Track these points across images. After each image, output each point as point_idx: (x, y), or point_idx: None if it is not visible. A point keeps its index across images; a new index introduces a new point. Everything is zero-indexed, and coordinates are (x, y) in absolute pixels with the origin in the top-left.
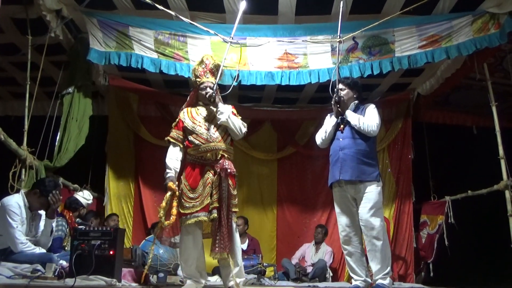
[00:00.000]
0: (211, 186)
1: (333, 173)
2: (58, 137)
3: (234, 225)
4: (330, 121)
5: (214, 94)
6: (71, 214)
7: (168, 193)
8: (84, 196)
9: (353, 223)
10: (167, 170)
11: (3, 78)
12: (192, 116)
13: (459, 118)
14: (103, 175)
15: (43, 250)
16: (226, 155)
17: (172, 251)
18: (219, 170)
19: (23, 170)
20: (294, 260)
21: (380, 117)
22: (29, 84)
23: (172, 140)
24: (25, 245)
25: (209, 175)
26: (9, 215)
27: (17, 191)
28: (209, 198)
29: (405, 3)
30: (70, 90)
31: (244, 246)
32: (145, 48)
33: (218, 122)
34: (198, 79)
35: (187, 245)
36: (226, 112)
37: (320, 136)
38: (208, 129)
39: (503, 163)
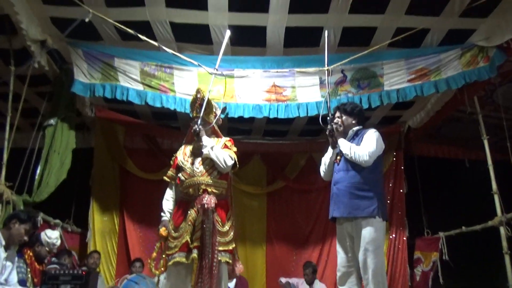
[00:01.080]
0: (193, 224)
1: (329, 210)
2: (38, 171)
3: (223, 267)
4: (328, 153)
5: (197, 128)
6: (30, 254)
7: (158, 242)
8: (48, 235)
9: (349, 262)
10: (162, 213)
11: None
12: (184, 152)
13: (450, 151)
14: (87, 210)
15: None
16: (210, 190)
17: None
18: (198, 206)
19: (0, 206)
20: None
21: (380, 143)
22: (11, 115)
23: (167, 179)
24: None
25: (191, 212)
26: None
27: None
28: (187, 236)
29: (394, 36)
30: (52, 121)
31: (232, 285)
32: (131, 79)
33: (202, 156)
34: (192, 115)
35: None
36: (209, 145)
37: (321, 170)
38: (193, 163)
39: (496, 198)
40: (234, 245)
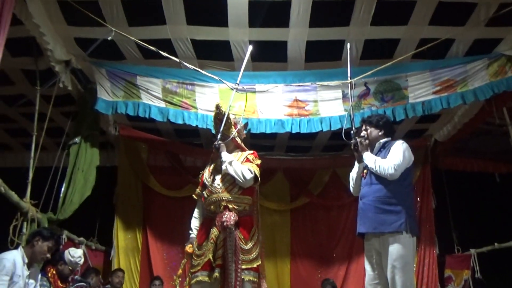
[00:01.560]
0: (215, 241)
1: (357, 225)
2: (63, 189)
3: (246, 285)
4: (354, 168)
5: (217, 144)
6: (54, 272)
7: (184, 259)
8: (71, 253)
9: (376, 279)
10: (190, 231)
11: (15, 129)
12: (209, 170)
13: (480, 165)
14: (111, 228)
15: None
16: (230, 206)
17: None
18: (218, 223)
19: (25, 224)
20: None
21: (407, 155)
22: (37, 134)
23: (195, 197)
24: None
25: (214, 230)
26: None
27: (17, 245)
28: (210, 255)
29: (417, 47)
30: (77, 140)
31: None
32: (153, 97)
33: (222, 172)
34: (214, 131)
35: None
36: (227, 160)
37: (350, 185)
38: (214, 180)
39: None
40: (259, 263)
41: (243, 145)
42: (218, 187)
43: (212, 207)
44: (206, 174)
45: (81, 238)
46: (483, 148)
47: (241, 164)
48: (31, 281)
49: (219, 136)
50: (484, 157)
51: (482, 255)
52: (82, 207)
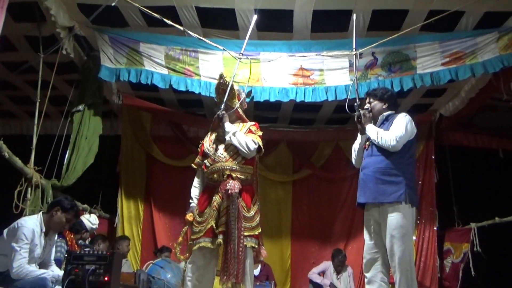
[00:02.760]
0: (217, 209)
1: (357, 196)
2: (66, 156)
3: (248, 251)
4: (357, 140)
5: (220, 114)
6: (72, 236)
7: (185, 227)
8: (90, 220)
9: (374, 249)
10: (190, 200)
11: (19, 96)
12: (210, 139)
13: (484, 140)
14: (114, 196)
15: (40, 271)
16: (234, 175)
17: (180, 277)
18: (222, 191)
19: (29, 189)
20: (313, 275)
21: (410, 127)
22: (40, 102)
23: (194, 166)
24: (20, 270)
25: (216, 198)
26: (17, 237)
27: (22, 210)
28: (212, 222)
29: (426, 19)
30: (80, 108)
31: (257, 272)
32: (156, 64)
33: (226, 142)
34: (216, 100)
35: (191, 271)
36: (231, 131)
37: (352, 157)
38: (217, 149)
39: None
40: (260, 230)
41: (244, 116)
42: (222, 156)
43: (215, 175)
44: (207, 143)
45: (85, 205)
46: (488, 124)
47: (245, 135)
48: (48, 248)
49: (222, 106)
50: (489, 133)
51: (482, 229)
52: (86, 175)
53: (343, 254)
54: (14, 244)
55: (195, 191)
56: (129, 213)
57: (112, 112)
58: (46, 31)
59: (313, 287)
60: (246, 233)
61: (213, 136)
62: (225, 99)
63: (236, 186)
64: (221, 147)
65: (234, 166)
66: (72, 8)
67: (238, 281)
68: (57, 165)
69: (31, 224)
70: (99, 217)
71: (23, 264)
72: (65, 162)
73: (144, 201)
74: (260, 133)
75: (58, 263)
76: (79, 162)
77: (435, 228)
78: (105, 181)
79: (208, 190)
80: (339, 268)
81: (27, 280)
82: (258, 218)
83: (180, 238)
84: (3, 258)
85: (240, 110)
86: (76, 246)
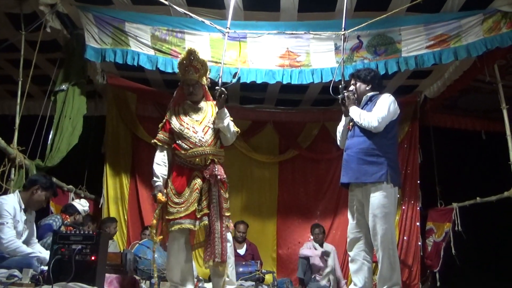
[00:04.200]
0: (199, 192)
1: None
2: (50, 136)
3: (227, 231)
4: (341, 121)
5: (224, 96)
6: (67, 218)
7: (158, 208)
8: (81, 203)
9: (357, 228)
10: (155, 179)
11: (0, 76)
12: (179, 117)
13: (467, 122)
14: (100, 177)
15: (29, 250)
16: (216, 160)
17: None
18: (208, 176)
19: (13, 170)
20: (303, 250)
21: (393, 108)
22: (23, 81)
23: (159, 143)
24: (11, 242)
25: (197, 181)
26: (0, 213)
27: (6, 191)
28: (195, 204)
29: (412, 0)
30: (64, 87)
31: (242, 252)
32: (142, 44)
33: (215, 126)
34: (182, 76)
35: (171, 252)
36: (228, 118)
37: (337, 138)
38: (196, 132)
39: None
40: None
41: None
42: (203, 140)
43: (197, 159)
44: (176, 122)
45: (70, 186)
46: (472, 106)
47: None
48: (27, 224)
49: (220, 82)
50: (472, 115)
51: (464, 209)
52: (71, 156)
53: (320, 227)
54: None
55: (161, 170)
56: (114, 194)
57: (96, 92)
58: (28, 8)
59: (302, 267)
60: (226, 214)
61: (181, 114)
62: (220, 76)
63: (222, 171)
64: (199, 129)
65: (214, 151)
66: None
67: (223, 259)
68: (41, 145)
69: (10, 201)
70: (84, 197)
71: (12, 237)
72: (49, 142)
73: (130, 181)
74: None
75: (49, 227)
76: (63, 142)
77: (418, 208)
78: (90, 162)
79: (186, 172)
80: (321, 242)
81: (13, 259)
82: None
83: (154, 221)
84: None
85: (206, 87)
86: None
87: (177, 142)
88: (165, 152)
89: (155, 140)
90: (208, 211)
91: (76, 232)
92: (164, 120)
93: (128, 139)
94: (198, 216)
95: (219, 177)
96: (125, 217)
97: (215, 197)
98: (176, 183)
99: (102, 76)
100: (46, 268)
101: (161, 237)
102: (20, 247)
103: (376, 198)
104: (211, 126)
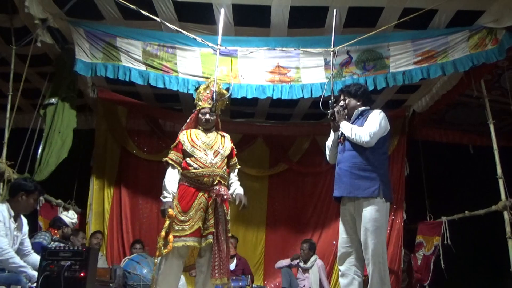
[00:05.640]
0: (204, 211)
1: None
2: (39, 150)
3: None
4: (330, 136)
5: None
6: (56, 232)
7: (167, 221)
8: (68, 215)
9: (349, 243)
10: (166, 194)
11: None
12: (191, 140)
13: (455, 136)
14: (88, 190)
15: (21, 263)
16: (222, 181)
17: None
18: (215, 195)
19: (1, 184)
20: (279, 262)
21: (384, 124)
22: (12, 95)
23: (171, 162)
24: (5, 252)
25: (202, 200)
26: None
27: None
28: (200, 223)
29: (400, 17)
30: (53, 100)
31: (232, 266)
32: (133, 59)
33: (234, 195)
34: (200, 103)
35: (167, 266)
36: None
37: (326, 153)
38: (207, 154)
39: (501, 182)
40: None
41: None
42: (213, 162)
43: (205, 179)
44: (188, 144)
45: (59, 201)
46: (459, 120)
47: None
48: (19, 233)
49: (214, 96)
50: (460, 129)
51: (453, 223)
52: (60, 170)
53: (309, 242)
54: None
55: (172, 186)
56: (101, 208)
57: (86, 105)
58: (18, 22)
59: (285, 278)
60: (229, 234)
61: (194, 136)
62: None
63: (228, 192)
64: (210, 152)
65: (222, 173)
66: (45, 0)
67: (229, 276)
68: (30, 159)
69: (0, 209)
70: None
71: (7, 247)
72: (38, 156)
73: (114, 195)
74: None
75: (39, 246)
76: (52, 156)
77: (402, 220)
78: (79, 176)
79: (191, 191)
80: (306, 258)
81: (1, 276)
82: None
83: (163, 232)
84: None
85: (218, 117)
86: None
87: (187, 162)
88: (176, 171)
89: (167, 159)
90: (213, 230)
91: (65, 248)
92: (177, 141)
93: (116, 153)
94: (204, 234)
95: (225, 197)
96: (105, 231)
97: (222, 216)
98: (182, 201)
99: (92, 90)
100: (34, 285)
101: (167, 250)
102: (14, 257)
103: (368, 212)
104: (220, 151)
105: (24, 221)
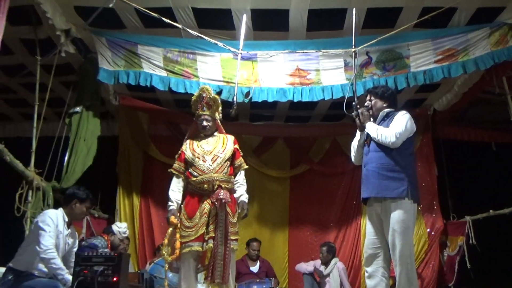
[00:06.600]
0: (208, 216)
1: (361, 191)
2: (66, 158)
3: (232, 255)
4: (356, 137)
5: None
6: (107, 238)
7: (170, 229)
8: (118, 225)
9: (377, 244)
10: (169, 203)
11: (14, 99)
12: (192, 148)
13: (477, 134)
14: (113, 196)
15: (61, 265)
16: (223, 185)
17: None
18: (214, 200)
19: (30, 192)
20: (298, 265)
21: (409, 125)
22: (38, 104)
23: (174, 171)
24: (49, 251)
25: (206, 205)
26: (42, 222)
27: (23, 213)
28: (203, 228)
29: (420, 16)
30: (78, 109)
31: (256, 269)
32: (154, 66)
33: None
34: (196, 112)
35: (182, 273)
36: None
37: (351, 154)
38: (205, 161)
39: None
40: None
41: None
42: (211, 168)
43: (205, 185)
44: (189, 152)
45: None
46: (481, 117)
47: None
48: (70, 239)
49: (235, 101)
50: (482, 127)
51: (477, 222)
52: (85, 176)
53: (328, 245)
54: (41, 225)
55: (176, 195)
56: (126, 214)
57: (109, 113)
58: (42, 33)
59: (307, 283)
60: (232, 237)
61: (195, 145)
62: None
63: (228, 195)
64: (208, 158)
65: (222, 177)
66: (68, 11)
67: (224, 281)
68: (56, 167)
69: (54, 213)
70: (98, 218)
71: (51, 247)
72: (64, 164)
73: (141, 200)
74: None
75: (94, 247)
76: (78, 164)
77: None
78: (103, 182)
79: (196, 197)
80: (325, 261)
81: (39, 281)
82: (238, 223)
83: (166, 240)
84: (23, 257)
85: (219, 122)
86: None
87: (189, 171)
88: (180, 180)
89: (171, 170)
90: (213, 235)
91: (97, 254)
92: (180, 151)
93: (139, 158)
94: (206, 239)
95: (223, 200)
96: (136, 236)
97: (221, 221)
98: (188, 208)
99: (114, 97)
100: None
101: (174, 256)
102: (55, 258)
103: (396, 213)
104: (220, 155)
105: (75, 233)
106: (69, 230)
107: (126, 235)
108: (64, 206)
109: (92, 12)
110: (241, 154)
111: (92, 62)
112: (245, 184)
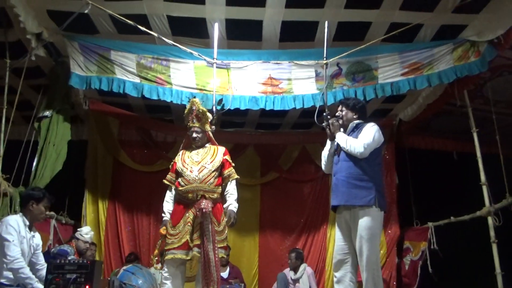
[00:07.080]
0: (192, 224)
1: (330, 200)
2: (34, 163)
3: (221, 261)
4: (326, 146)
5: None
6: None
7: (159, 241)
8: (78, 230)
9: (345, 250)
10: (163, 214)
11: None
12: (183, 159)
13: (440, 143)
14: (80, 202)
15: (30, 274)
16: (207, 195)
17: (151, 282)
18: (197, 209)
19: None
20: None
21: (377, 136)
22: (6, 108)
23: (166, 182)
24: (16, 261)
25: (190, 214)
26: (5, 231)
27: None
28: (187, 236)
29: (388, 31)
30: (47, 113)
31: (225, 275)
32: (127, 72)
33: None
34: (187, 124)
35: (166, 279)
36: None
37: (322, 163)
38: (192, 171)
39: (485, 189)
40: (227, 242)
41: (213, 138)
42: (197, 178)
43: (190, 195)
44: (180, 163)
45: (51, 213)
46: (444, 128)
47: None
48: (34, 242)
49: (214, 110)
50: (444, 136)
51: (439, 228)
52: (52, 181)
53: (296, 251)
54: (5, 235)
55: (168, 206)
56: (94, 218)
57: (78, 117)
58: (13, 36)
59: (280, 285)
60: (219, 245)
61: (186, 156)
62: (199, 124)
63: (209, 205)
64: (196, 168)
65: (207, 187)
66: (41, 15)
67: (218, 286)
68: (24, 172)
69: (14, 218)
70: (64, 224)
71: (18, 256)
72: (33, 169)
73: (108, 206)
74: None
75: (65, 253)
76: (47, 169)
77: (397, 228)
78: (71, 187)
79: (181, 206)
80: (294, 267)
81: None
82: (226, 232)
83: (156, 251)
84: None
85: (210, 133)
86: (77, 255)
87: (178, 181)
88: (173, 190)
89: (164, 180)
90: (198, 242)
91: (70, 261)
92: (172, 162)
93: (108, 164)
94: (191, 246)
95: (204, 210)
96: (102, 243)
97: (207, 229)
98: (173, 217)
99: (84, 101)
100: None
101: (159, 265)
102: (24, 268)
103: (364, 220)
104: (207, 166)
105: (37, 234)
106: (32, 232)
107: (88, 236)
108: (23, 209)
109: (65, 16)
110: (233, 165)
111: (63, 66)
112: (235, 193)
